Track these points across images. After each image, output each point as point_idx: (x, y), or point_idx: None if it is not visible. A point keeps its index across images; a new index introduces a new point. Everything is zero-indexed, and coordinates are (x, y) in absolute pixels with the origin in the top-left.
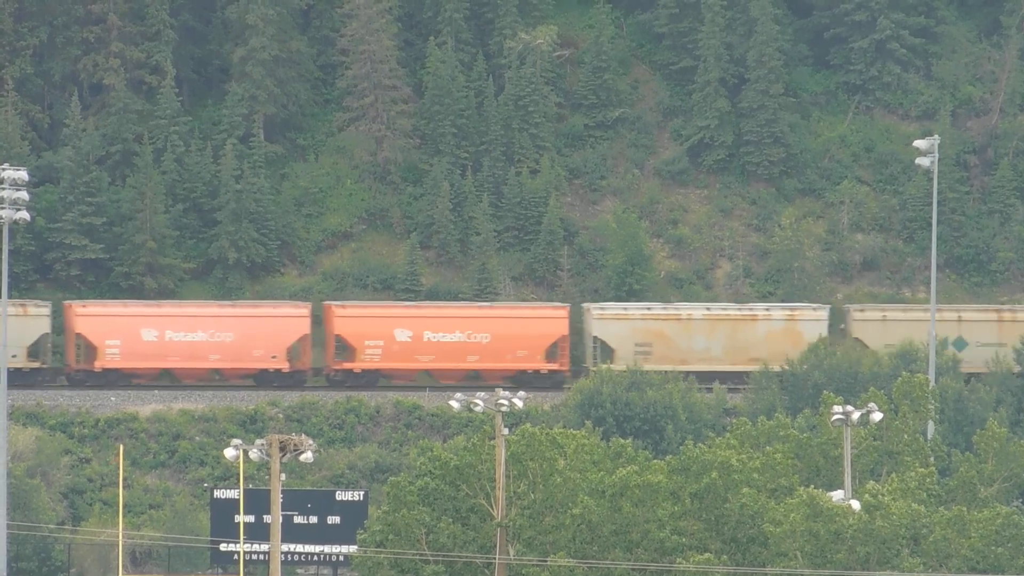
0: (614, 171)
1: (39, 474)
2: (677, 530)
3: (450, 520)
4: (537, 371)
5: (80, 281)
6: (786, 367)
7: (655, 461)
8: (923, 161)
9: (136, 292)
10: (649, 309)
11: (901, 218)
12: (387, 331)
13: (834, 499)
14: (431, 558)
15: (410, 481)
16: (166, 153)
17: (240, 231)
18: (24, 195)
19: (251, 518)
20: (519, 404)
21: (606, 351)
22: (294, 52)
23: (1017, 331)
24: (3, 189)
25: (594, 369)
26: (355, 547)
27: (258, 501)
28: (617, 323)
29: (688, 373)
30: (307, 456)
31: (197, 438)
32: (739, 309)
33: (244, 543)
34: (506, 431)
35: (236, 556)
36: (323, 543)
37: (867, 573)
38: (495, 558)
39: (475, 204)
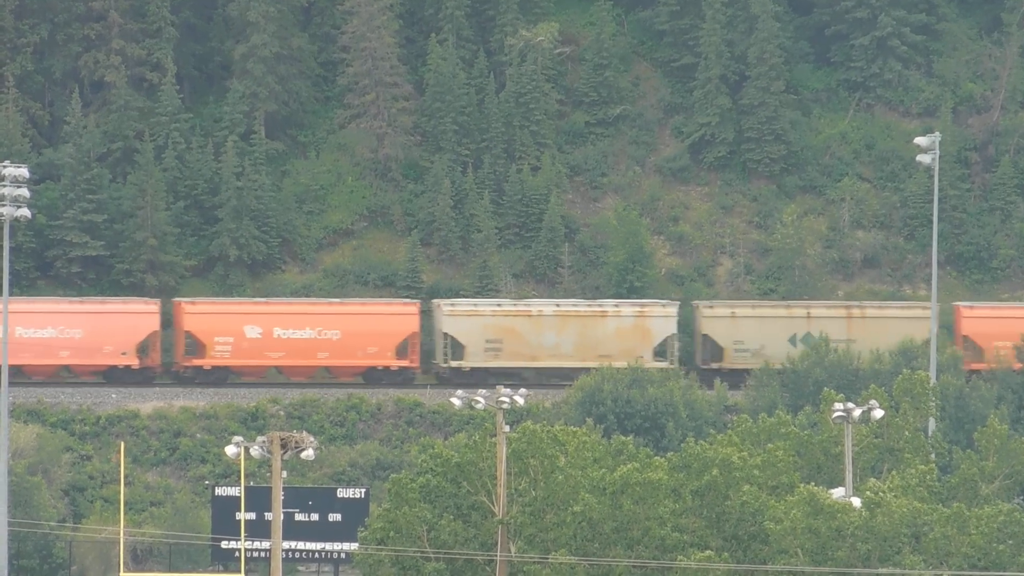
0: (615, 168)
1: (40, 471)
2: (678, 527)
3: (451, 517)
4: (387, 368)
5: (81, 278)
6: (634, 363)
7: (656, 458)
8: (924, 158)
9: (137, 289)
10: (499, 305)
11: (902, 215)
12: (237, 327)
13: (835, 496)
14: (432, 555)
15: (411, 478)
16: (167, 150)
17: (241, 228)
18: (25, 192)
19: (252, 515)
20: (520, 401)
21: (456, 347)
22: (295, 49)
23: (865, 328)
24: (4, 186)
25: (444, 366)
26: (356, 544)
27: (259, 498)
28: (467, 319)
29: (538, 369)
30: (308, 453)
31: (198, 435)
32: (588, 305)
33: (245, 540)
34: (507, 428)
35: (237, 554)
36: (324, 540)
37: (868, 571)
38: (496, 555)
39: (476, 201)
